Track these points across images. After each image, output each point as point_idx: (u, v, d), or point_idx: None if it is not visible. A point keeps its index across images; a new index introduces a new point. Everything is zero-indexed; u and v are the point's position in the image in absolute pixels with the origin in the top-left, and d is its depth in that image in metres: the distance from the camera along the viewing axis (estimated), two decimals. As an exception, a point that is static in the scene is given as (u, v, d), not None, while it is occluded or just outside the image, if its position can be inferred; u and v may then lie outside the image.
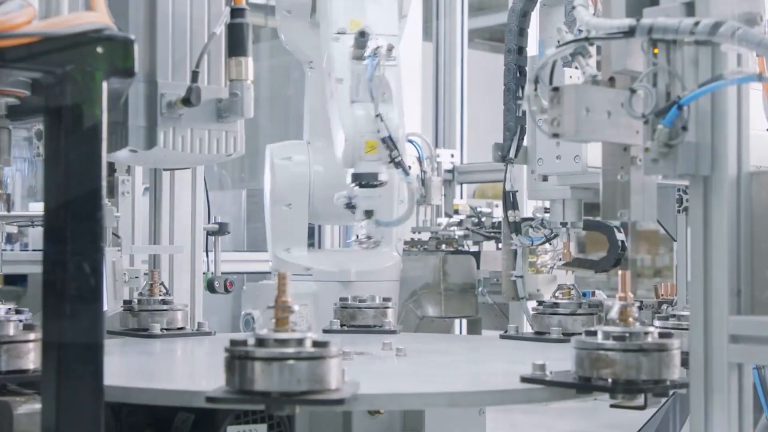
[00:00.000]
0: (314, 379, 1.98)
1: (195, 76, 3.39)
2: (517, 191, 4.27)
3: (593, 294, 4.51)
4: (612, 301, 2.36)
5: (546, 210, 4.21)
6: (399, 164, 3.73)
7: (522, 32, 4.07)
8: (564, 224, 4.00)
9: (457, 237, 5.73)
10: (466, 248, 5.83)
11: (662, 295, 3.89)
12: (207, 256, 4.98)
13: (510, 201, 4.22)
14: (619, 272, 2.37)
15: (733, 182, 2.04)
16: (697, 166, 2.04)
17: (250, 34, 3.55)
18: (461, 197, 7.64)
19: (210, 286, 4.91)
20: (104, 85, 1.85)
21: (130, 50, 1.88)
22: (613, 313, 2.25)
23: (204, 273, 4.89)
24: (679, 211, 4.01)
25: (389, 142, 3.73)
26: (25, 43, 1.81)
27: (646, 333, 2.21)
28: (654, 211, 2.27)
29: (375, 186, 3.79)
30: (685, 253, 3.97)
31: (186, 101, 3.35)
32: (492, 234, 5.79)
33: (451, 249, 5.71)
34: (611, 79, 2.23)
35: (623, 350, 2.18)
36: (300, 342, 2.00)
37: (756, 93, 2.93)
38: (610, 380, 2.20)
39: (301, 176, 4.76)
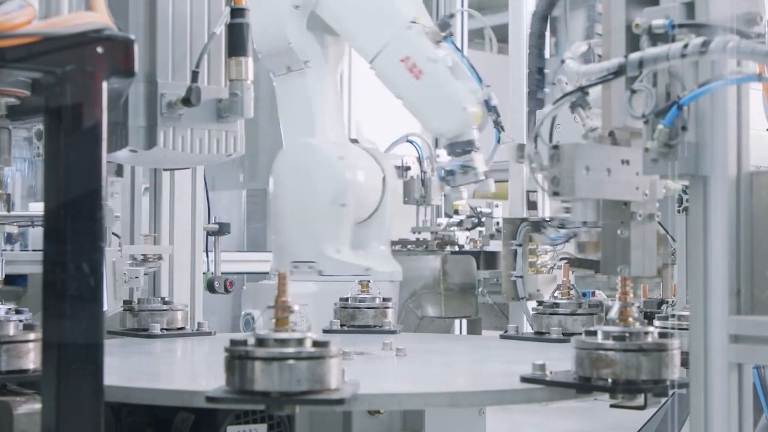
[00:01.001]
0: (314, 379, 1.98)
1: (195, 76, 3.39)
2: (536, 191, 4.33)
3: (593, 294, 4.51)
4: (612, 301, 2.36)
5: (567, 210, 4.27)
6: (500, 125, 4.74)
7: (542, 35, 4.10)
8: (585, 223, 4.05)
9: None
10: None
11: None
12: (207, 256, 4.98)
13: (529, 202, 4.33)
14: (621, 277, 2.37)
15: (733, 182, 2.05)
16: (697, 166, 2.04)
17: (250, 34, 3.55)
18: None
19: (210, 286, 4.91)
20: (104, 85, 1.85)
21: (130, 50, 1.88)
22: (613, 313, 2.25)
23: (204, 273, 4.89)
24: (679, 211, 4.01)
25: (495, 109, 4.69)
26: (25, 43, 1.81)
27: (646, 333, 2.21)
28: (654, 265, 2.29)
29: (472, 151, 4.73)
30: (685, 253, 3.97)
31: (186, 101, 3.35)
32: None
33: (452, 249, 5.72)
34: (611, 134, 2.24)
35: (623, 350, 2.18)
36: (300, 342, 2.00)
37: (756, 93, 2.93)
38: (610, 380, 2.20)
39: (352, 176, 4.87)
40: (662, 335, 2.27)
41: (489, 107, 4.73)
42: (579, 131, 2.27)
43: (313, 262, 4.80)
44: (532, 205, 4.74)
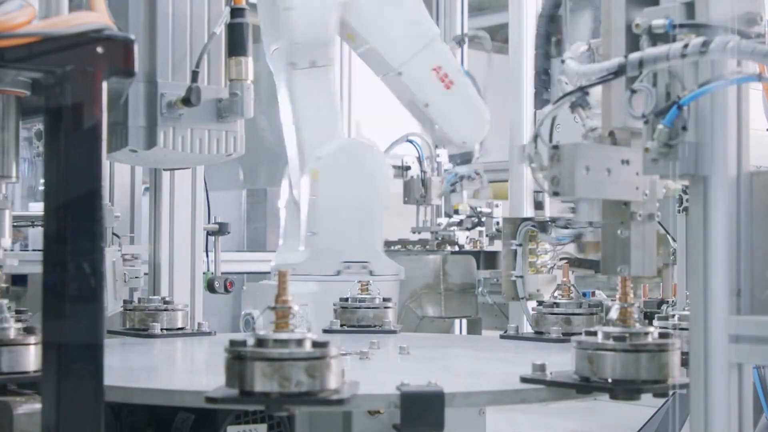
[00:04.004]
0: (314, 380, 1.98)
1: (195, 76, 3.39)
2: (541, 192, 4.38)
3: (593, 294, 4.51)
4: (612, 301, 2.36)
5: (571, 210, 4.34)
6: None
7: (549, 36, 4.12)
8: (590, 223, 4.11)
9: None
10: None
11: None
12: (207, 256, 4.98)
13: (536, 201, 4.40)
14: (620, 277, 2.37)
15: (733, 182, 2.04)
16: (697, 166, 2.04)
17: (250, 34, 3.55)
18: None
19: (210, 286, 4.90)
20: (104, 85, 1.85)
21: (130, 50, 1.88)
22: (613, 314, 2.25)
23: (204, 273, 4.88)
24: (679, 211, 4.00)
25: None
26: (25, 43, 1.81)
27: (646, 333, 2.21)
28: (654, 265, 2.29)
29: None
30: (685, 253, 3.97)
31: (186, 101, 3.35)
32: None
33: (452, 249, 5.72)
34: (611, 134, 2.24)
35: (623, 350, 2.18)
36: (299, 342, 2.00)
37: (756, 93, 2.92)
38: (610, 380, 2.20)
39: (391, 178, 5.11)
40: (662, 335, 2.26)
41: None
42: (579, 131, 2.27)
43: (366, 262, 4.84)
44: (538, 206, 4.79)
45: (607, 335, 2.21)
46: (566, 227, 4.19)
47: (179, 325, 3.57)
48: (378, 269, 4.83)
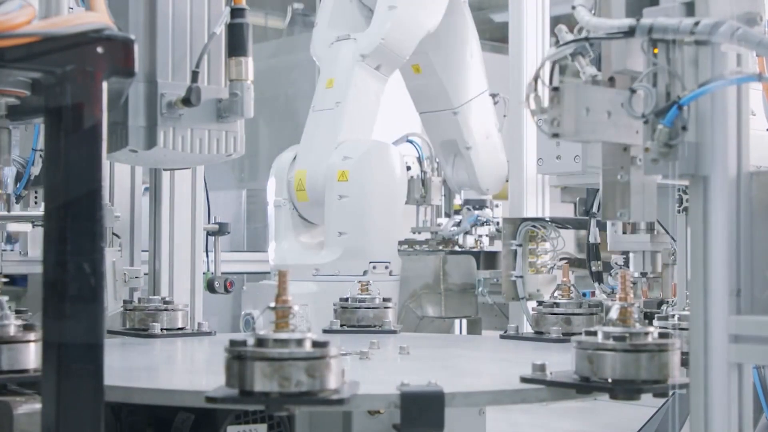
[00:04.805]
0: (314, 380, 1.98)
1: (195, 76, 3.39)
2: (599, 243, 4.57)
3: (593, 294, 4.52)
4: (612, 301, 2.35)
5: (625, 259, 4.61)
6: None
7: None
8: (644, 274, 4.39)
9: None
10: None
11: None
12: (207, 256, 4.98)
13: (593, 252, 4.61)
14: (619, 273, 2.37)
15: (733, 182, 2.04)
16: (697, 166, 2.04)
17: (251, 34, 3.55)
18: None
19: (210, 286, 4.90)
20: (104, 85, 1.85)
21: (130, 50, 1.88)
22: (613, 314, 2.25)
23: (204, 273, 4.89)
24: (679, 211, 4.01)
25: None
26: (25, 43, 1.81)
27: (646, 333, 2.21)
28: (654, 210, 2.27)
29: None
30: (685, 253, 3.97)
31: (186, 101, 3.35)
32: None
33: (451, 249, 5.73)
34: (611, 79, 2.23)
35: (623, 350, 2.18)
36: (299, 342, 2.00)
37: (756, 93, 2.93)
38: (610, 380, 2.19)
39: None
40: (662, 335, 2.26)
41: None
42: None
43: (388, 262, 4.91)
44: (595, 256, 4.84)
45: (607, 335, 2.21)
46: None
47: (179, 325, 3.57)
48: (395, 270, 4.91)
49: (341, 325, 3.71)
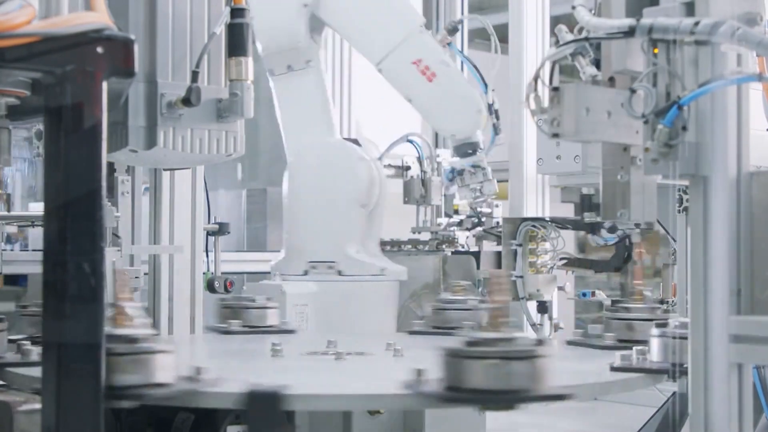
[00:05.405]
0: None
1: (195, 76, 3.39)
2: (593, 194, 4.39)
3: (593, 294, 4.51)
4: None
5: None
6: (497, 127, 5.11)
7: None
8: (637, 225, 4.13)
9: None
10: (466, 248, 5.85)
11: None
12: (207, 256, 4.98)
13: (587, 203, 4.47)
14: (490, 273, 2.20)
15: (733, 182, 2.04)
16: (697, 166, 2.04)
17: (251, 34, 3.54)
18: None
19: (210, 286, 4.90)
20: (104, 85, 1.85)
21: (130, 50, 1.88)
22: (484, 319, 2.10)
23: (204, 273, 4.88)
24: (679, 211, 4.01)
25: (497, 113, 5.04)
26: (25, 43, 1.81)
27: (514, 339, 2.06)
28: (654, 210, 2.28)
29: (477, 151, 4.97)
30: (685, 253, 3.97)
31: (186, 101, 3.34)
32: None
33: (452, 249, 5.72)
34: (611, 79, 2.23)
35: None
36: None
37: (756, 93, 2.92)
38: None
39: (370, 175, 4.96)
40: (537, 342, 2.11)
41: (491, 110, 4.95)
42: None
43: (333, 262, 4.78)
44: (595, 207, 4.70)
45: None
46: (612, 230, 4.19)
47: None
48: (348, 269, 4.76)
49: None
